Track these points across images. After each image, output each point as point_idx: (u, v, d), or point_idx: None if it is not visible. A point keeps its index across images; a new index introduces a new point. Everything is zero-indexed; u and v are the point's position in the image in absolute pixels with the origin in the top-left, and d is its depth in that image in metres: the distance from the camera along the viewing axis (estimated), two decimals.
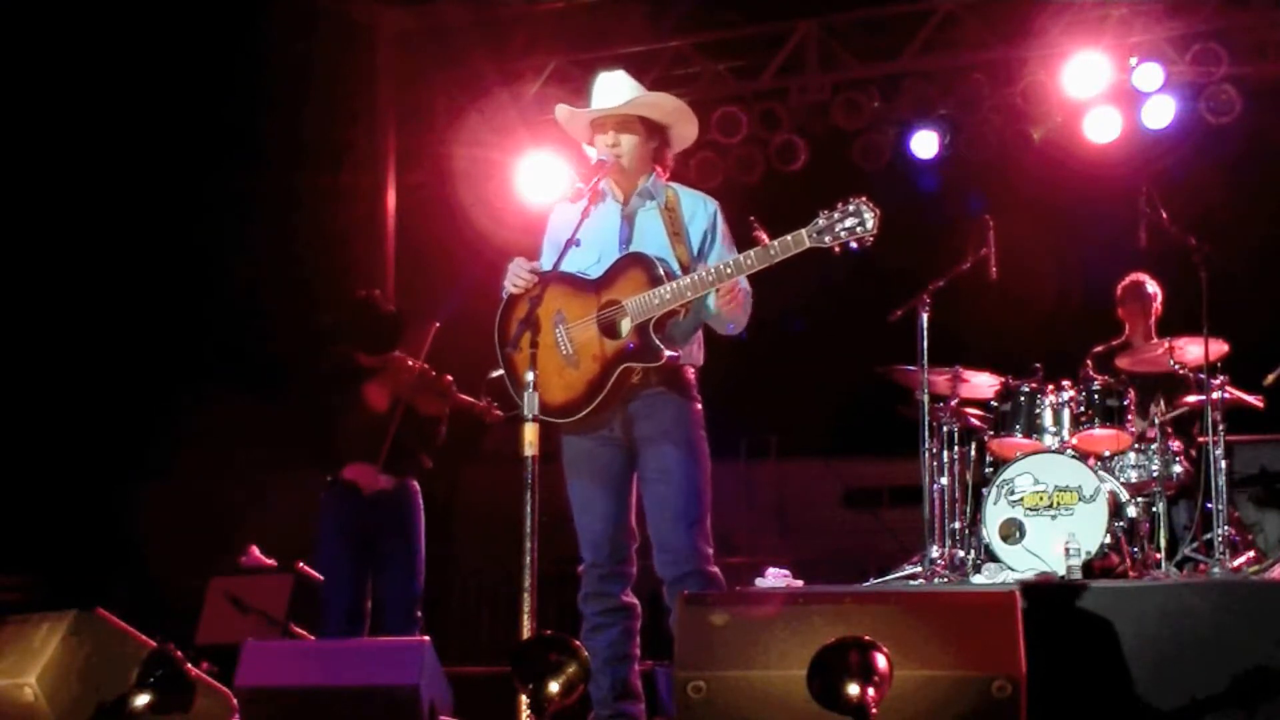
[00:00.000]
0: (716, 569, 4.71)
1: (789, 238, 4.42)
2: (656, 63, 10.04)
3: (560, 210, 4.94)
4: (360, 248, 10.27)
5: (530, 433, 4.33)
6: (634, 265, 4.63)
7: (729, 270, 4.51)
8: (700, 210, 4.84)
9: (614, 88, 4.81)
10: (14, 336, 9.20)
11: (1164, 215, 7.03)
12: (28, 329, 9.31)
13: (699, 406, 4.78)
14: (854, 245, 4.36)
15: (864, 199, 4.38)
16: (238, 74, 9.39)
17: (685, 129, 4.90)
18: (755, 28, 10.16)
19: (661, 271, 4.57)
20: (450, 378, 6.99)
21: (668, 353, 4.58)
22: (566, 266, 4.71)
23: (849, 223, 4.35)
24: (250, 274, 9.79)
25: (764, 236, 4.50)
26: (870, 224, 4.35)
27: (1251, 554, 7.16)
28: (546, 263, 4.81)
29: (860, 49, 9.93)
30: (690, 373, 4.79)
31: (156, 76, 9.28)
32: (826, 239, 4.37)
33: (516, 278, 4.74)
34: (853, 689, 3.49)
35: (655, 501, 4.70)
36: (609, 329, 4.62)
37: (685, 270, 4.64)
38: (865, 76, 9.87)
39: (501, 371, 4.80)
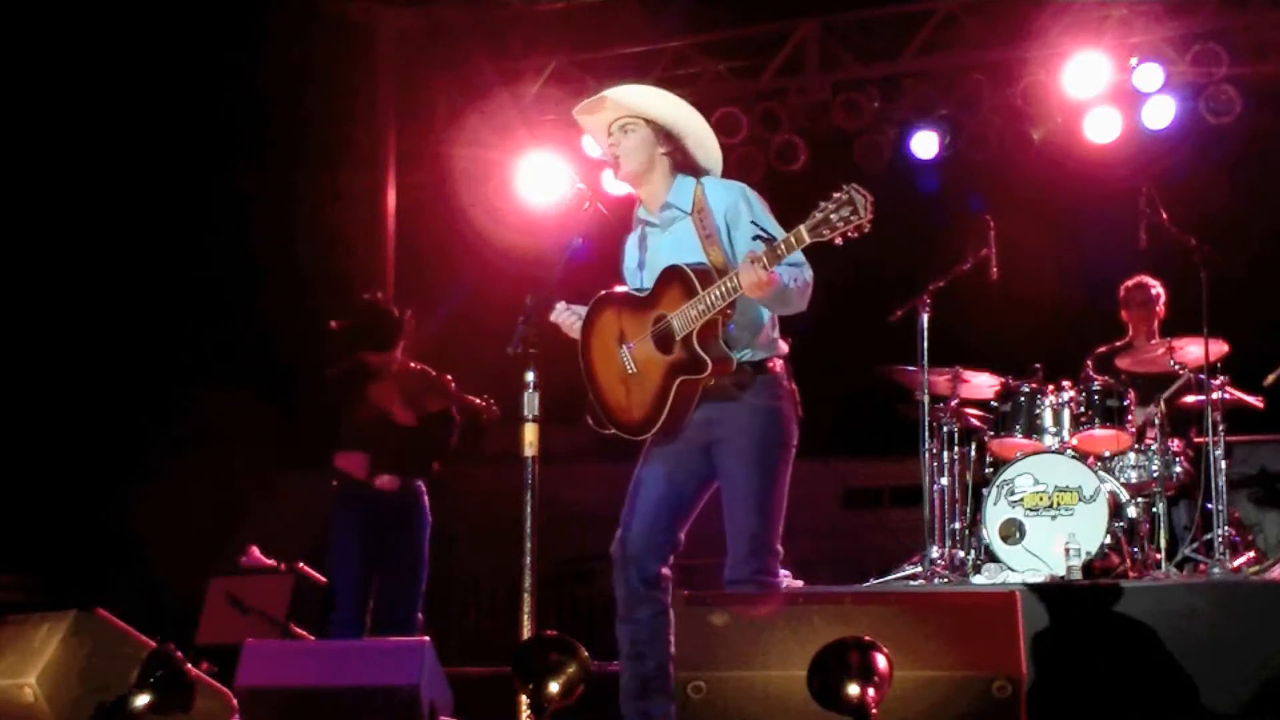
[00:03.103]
0: (777, 578, 4.71)
1: (791, 236, 4.42)
2: (656, 63, 10.04)
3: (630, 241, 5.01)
4: (360, 248, 10.27)
5: (530, 433, 4.38)
6: (673, 279, 4.66)
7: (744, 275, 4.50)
8: (721, 198, 4.79)
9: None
10: (15, 336, 9.20)
11: (1164, 215, 7.03)
12: (28, 329, 9.30)
13: (778, 404, 4.77)
14: (852, 234, 4.35)
15: (855, 185, 4.34)
16: (238, 74, 9.39)
17: (698, 135, 4.83)
18: (755, 28, 10.15)
19: (696, 282, 4.59)
20: (450, 377, 7.01)
21: (712, 361, 4.57)
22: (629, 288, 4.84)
23: (844, 212, 4.32)
24: (250, 274, 9.78)
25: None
26: (864, 209, 4.32)
27: (1251, 554, 7.17)
28: None
29: (860, 49, 9.92)
30: (773, 365, 4.79)
31: (157, 77, 9.27)
32: (825, 232, 4.35)
33: (560, 318, 4.85)
34: (853, 689, 3.49)
35: (724, 507, 4.74)
36: (663, 344, 4.66)
37: (721, 271, 4.63)
38: (865, 76, 9.87)
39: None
